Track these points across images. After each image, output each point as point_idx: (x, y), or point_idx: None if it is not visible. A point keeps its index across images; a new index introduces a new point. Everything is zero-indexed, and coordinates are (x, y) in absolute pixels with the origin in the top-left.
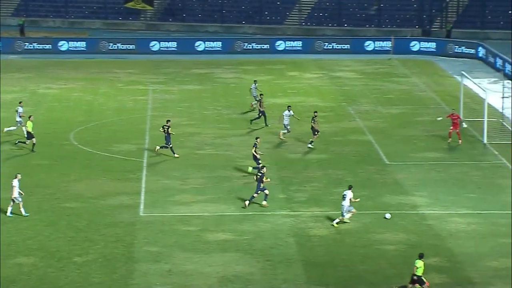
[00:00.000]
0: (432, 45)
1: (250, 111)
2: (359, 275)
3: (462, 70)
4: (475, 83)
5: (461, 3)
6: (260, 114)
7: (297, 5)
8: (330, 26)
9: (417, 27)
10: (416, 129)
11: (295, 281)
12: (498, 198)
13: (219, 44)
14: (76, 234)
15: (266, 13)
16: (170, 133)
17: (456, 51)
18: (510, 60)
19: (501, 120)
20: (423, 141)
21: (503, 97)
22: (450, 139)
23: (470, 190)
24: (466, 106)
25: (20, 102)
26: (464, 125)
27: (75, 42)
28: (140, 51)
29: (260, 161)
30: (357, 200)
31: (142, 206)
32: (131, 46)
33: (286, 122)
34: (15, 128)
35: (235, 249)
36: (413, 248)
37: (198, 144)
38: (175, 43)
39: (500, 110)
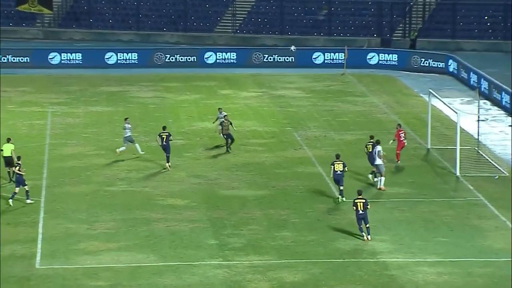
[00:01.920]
0: (393, 58)
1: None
2: None
3: (430, 88)
4: (445, 104)
5: (427, 7)
6: (225, 137)
7: (230, 8)
8: (270, 34)
9: (375, 36)
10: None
11: None
12: (474, 243)
13: (134, 56)
14: None
15: (193, 18)
16: (169, 142)
17: (422, 64)
18: (486, 75)
19: (476, 148)
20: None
21: (478, 120)
22: (398, 161)
23: (441, 233)
24: (435, 131)
25: (126, 119)
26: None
27: None
28: (36, 64)
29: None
30: None
31: (38, 257)
32: (25, 59)
33: (378, 162)
34: (125, 148)
35: None
36: None
37: (109, 179)
38: (80, 54)
39: (475, 136)
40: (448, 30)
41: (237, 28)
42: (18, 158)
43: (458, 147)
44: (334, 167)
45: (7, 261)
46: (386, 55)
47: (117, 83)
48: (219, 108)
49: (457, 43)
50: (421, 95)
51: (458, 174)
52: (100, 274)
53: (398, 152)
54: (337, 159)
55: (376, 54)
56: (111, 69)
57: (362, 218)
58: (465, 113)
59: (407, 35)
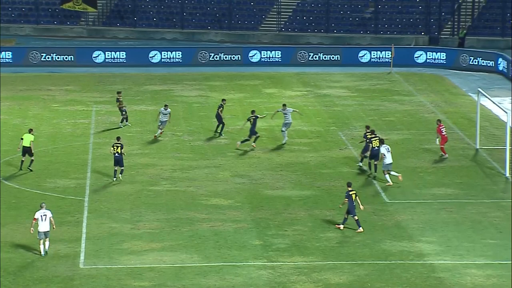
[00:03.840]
0: (441, 56)
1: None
2: None
3: (479, 87)
4: (494, 103)
5: (476, 4)
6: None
7: (275, 6)
8: (315, 32)
9: (423, 33)
10: (423, 159)
11: None
12: None
13: (179, 54)
14: None
15: (237, 16)
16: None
17: (471, 63)
18: None
19: None
20: (431, 174)
21: None
22: (446, 154)
23: (489, 234)
24: (484, 131)
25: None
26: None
27: None
28: (80, 63)
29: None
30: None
31: (82, 257)
32: (69, 57)
33: (390, 161)
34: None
35: None
36: None
37: (153, 179)
38: (124, 53)
39: None
40: (497, 28)
41: (282, 26)
42: (118, 138)
43: (508, 148)
44: (372, 144)
45: (51, 261)
46: (434, 53)
47: (161, 82)
48: (165, 104)
49: (507, 41)
50: (470, 94)
51: (507, 175)
52: (144, 274)
53: (442, 146)
54: (372, 134)
55: (423, 53)
56: (155, 68)
57: (353, 209)
58: None
59: (455, 33)
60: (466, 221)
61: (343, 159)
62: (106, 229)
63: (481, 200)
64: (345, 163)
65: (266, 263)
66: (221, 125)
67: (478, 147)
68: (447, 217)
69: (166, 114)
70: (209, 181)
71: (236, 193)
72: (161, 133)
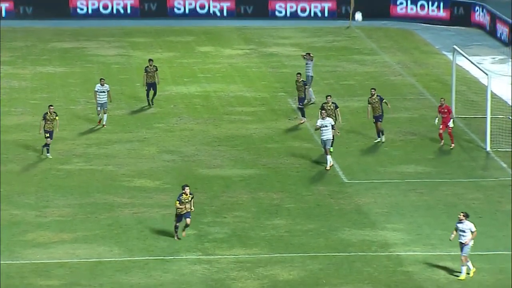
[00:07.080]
0: (409, 6)
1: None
2: None
3: (454, 44)
4: (473, 63)
5: None
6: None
7: None
8: None
9: None
10: (388, 130)
11: None
12: (508, 232)
13: (94, 2)
14: None
15: None
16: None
17: (442, 14)
18: None
19: (510, 117)
20: (398, 149)
21: None
22: (442, 141)
23: None
24: (461, 97)
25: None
26: (451, 125)
27: None
28: None
29: None
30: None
31: None
32: None
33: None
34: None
35: None
36: None
37: (63, 155)
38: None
39: (510, 102)
40: None
41: None
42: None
43: (489, 116)
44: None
45: None
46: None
47: (72, 38)
48: (100, 79)
49: None
50: (444, 52)
51: (488, 149)
52: (52, 271)
53: (449, 132)
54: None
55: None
56: (64, 21)
57: None
58: (497, 74)
59: None
60: (440, 205)
61: (293, 132)
62: (6, 217)
63: (457, 179)
64: (296, 136)
65: (201, 257)
66: (152, 91)
67: (454, 116)
68: (416, 200)
69: (104, 92)
70: (132, 158)
71: (165, 172)
72: (99, 122)
